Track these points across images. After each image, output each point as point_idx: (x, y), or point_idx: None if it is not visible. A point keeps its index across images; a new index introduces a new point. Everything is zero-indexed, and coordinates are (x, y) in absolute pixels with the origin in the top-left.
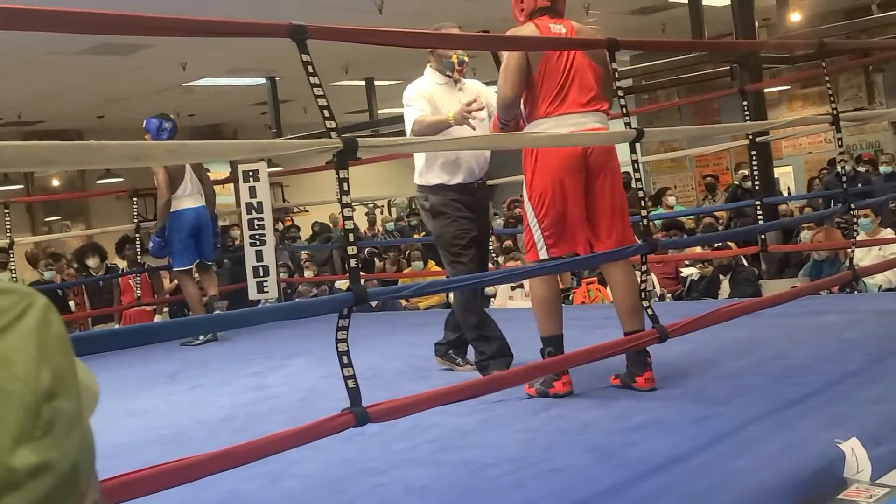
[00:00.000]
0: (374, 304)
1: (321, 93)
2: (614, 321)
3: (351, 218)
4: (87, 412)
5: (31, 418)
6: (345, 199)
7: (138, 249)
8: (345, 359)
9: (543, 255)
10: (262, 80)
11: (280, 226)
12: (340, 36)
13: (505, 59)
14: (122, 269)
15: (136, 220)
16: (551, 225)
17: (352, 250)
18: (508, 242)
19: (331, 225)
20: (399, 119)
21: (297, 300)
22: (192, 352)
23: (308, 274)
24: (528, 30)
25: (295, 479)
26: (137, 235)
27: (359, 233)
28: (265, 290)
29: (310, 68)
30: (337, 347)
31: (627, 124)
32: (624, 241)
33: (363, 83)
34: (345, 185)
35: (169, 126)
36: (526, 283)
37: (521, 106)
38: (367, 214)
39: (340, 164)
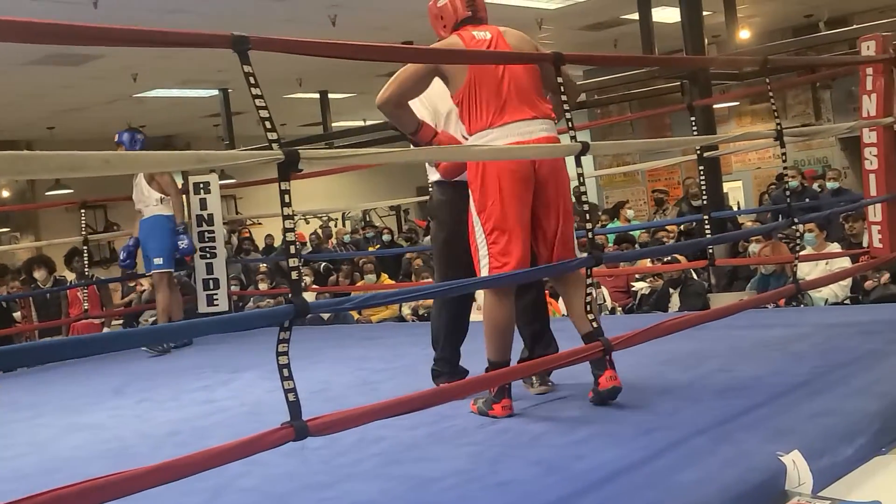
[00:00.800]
0: (325, 316)
1: (263, 104)
2: (565, 334)
3: (293, 230)
4: None
5: None
6: (286, 210)
7: (86, 261)
8: (285, 372)
9: (485, 273)
10: (215, 92)
11: (234, 239)
12: (284, 47)
13: (403, 67)
14: (71, 282)
15: (84, 232)
16: (498, 241)
17: (293, 262)
18: None
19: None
20: (353, 132)
21: (239, 313)
22: (138, 365)
23: (262, 287)
24: (450, 41)
25: (237, 493)
26: (86, 247)
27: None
28: (215, 303)
29: (251, 79)
30: (277, 360)
31: (573, 138)
32: (571, 251)
33: (317, 96)
34: (286, 196)
35: (141, 138)
36: (479, 296)
37: (458, 118)
38: (321, 227)
39: (282, 176)
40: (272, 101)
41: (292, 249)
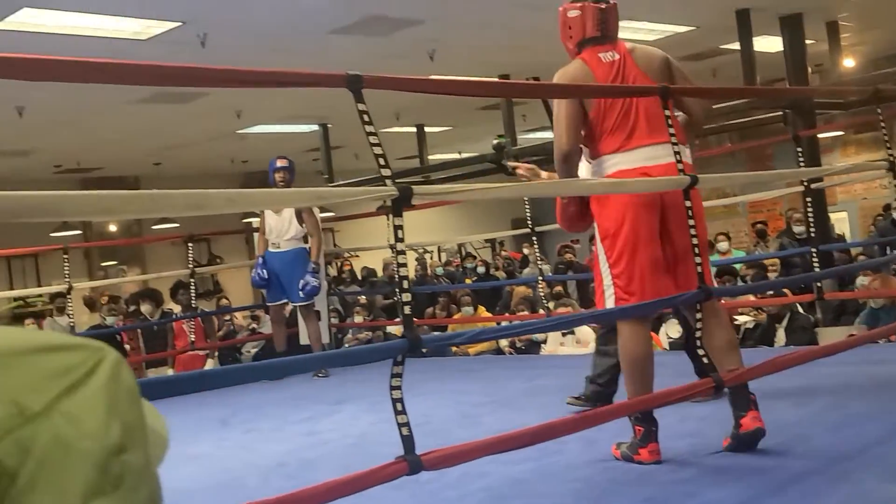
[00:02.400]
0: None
1: (376, 141)
2: (668, 370)
3: (405, 265)
4: (156, 461)
5: (101, 474)
6: (399, 245)
7: (192, 294)
8: (398, 406)
9: (611, 303)
10: (315, 127)
11: (333, 270)
12: (395, 85)
13: (556, 109)
14: (176, 314)
15: (191, 266)
16: (624, 269)
17: (406, 297)
18: (559, 288)
19: (377, 270)
20: (450, 165)
21: (353, 347)
22: (242, 395)
23: (358, 319)
24: (576, 66)
25: None
26: (192, 280)
27: (426, 277)
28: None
29: (365, 117)
30: (391, 394)
31: (681, 171)
32: (694, 279)
33: (414, 129)
34: (399, 231)
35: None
36: (577, 329)
37: (583, 145)
38: (417, 260)
39: (395, 212)
40: None
41: (405, 284)
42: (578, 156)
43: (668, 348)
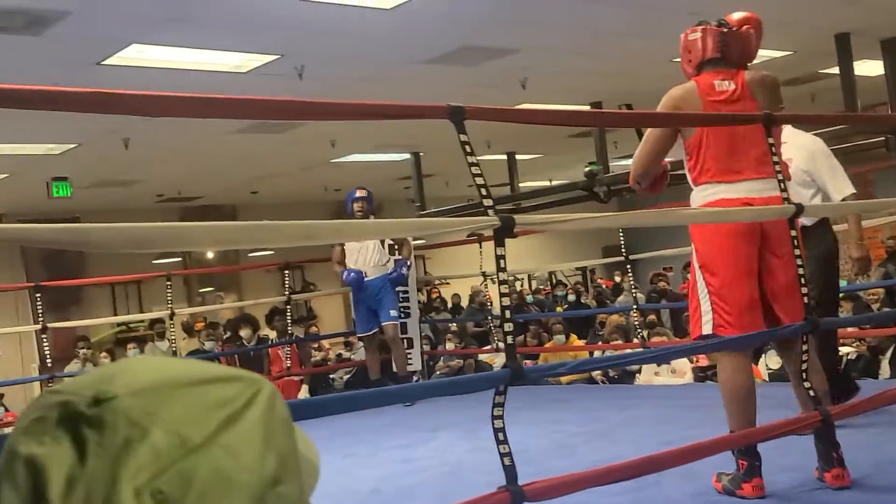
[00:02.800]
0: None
1: (478, 172)
2: (770, 400)
3: (507, 294)
4: (309, 490)
5: None
6: (501, 275)
7: (289, 321)
8: (500, 435)
9: (707, 329)
10: (407, 156)
11: (422, 297)
12: (497, 116)
13: (647, 130)
14: (272, 340)
15: (287, 293)
16: (722, 297)
17: (508, 327)
18: (652, 317)
19: (464, 297)
20: (541, 192)
21: (451, 375)
22: (339, 420)
23: (450, 346)
24: (684, 89)
25: None
26: (288, 307)
27: (523, 305)
28: (409, 362)
29: (467, 148)
30: (493, 423)
31: (786, 199)
32: (799, 309)
33: (504, 157)
34: (501, 262)
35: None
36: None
37: (686, 171)
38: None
39: (497, 242)
40: (462, 163)
41: (507, 314)
42: (647, 180)
43: (767, 379)
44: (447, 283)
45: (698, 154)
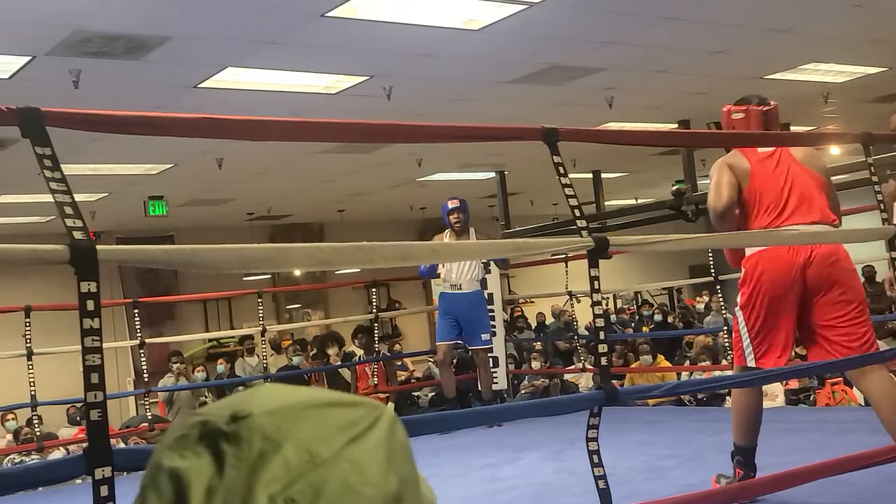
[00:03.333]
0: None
1: (572, 193)
2: (863, 425)
3: (603, 316)
4: None
5: None
6: (595, 296)
7: (376, 338)
8: (595, 458)
9: (751, 363)
10: (492, 174)
11: (507, 315)
12: (590, 137)
13: (715, 176)
14: (359, 357)
15: (374, 310)
16: (759, 336)
17: (602, 348)
18: None
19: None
20: (628, 211)
21: (553, 398)
22: (423, 442)
23: (535, 365)
24: (732, 154)
25: None
26: (375, 325)
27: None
28: (495, 381)
29: (561, 169)
30: (587, 446)
31: (885, 220)
32: (864, 348)
33: (590, 176)
34: (595, 283)
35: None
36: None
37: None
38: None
39: (592, 263)
40: (546, 181)
41: (602, 335)
42: (730, 215)
43: (862, 404)
44: (532, 302)
45: (750, 203)
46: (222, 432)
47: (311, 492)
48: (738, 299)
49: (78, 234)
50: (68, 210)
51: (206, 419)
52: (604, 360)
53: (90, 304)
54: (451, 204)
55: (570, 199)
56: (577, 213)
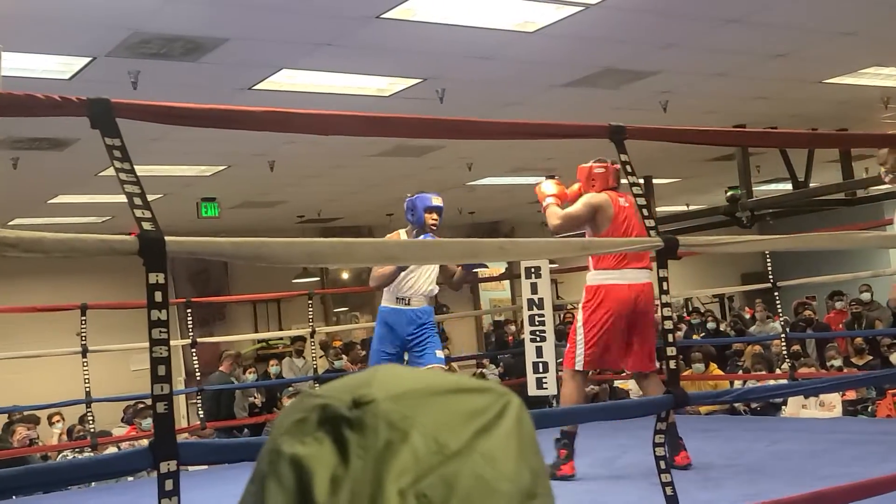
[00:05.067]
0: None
1: (640, 192)
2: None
3: (671, 318)
4: None
5: None
6: (664, 298)
7: None
8: (662, 464)
9: (580, 366)
10: (542, 179)
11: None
12: (658, 135)
13: (577, 208)
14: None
15: None
16: (592, 348)
17: (671, 351)
18: (797, 347)
19: None
20: (681, 217)
21: (619, 401)
22: None
23: None
24: (602, 198)
25: None
26: None
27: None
28: (544, 386)
29: (628, 168)
30: (654, 451)
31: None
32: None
33: (641, 181)
34: (664, 284)
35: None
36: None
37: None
38: None
39: (660, 264)
40: None
41: (670, 337)
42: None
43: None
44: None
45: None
46: (345, 418)
47: (444, 487)
48: (581, 314)
49: (147, 226)
50: (137, 201)
51: (326, 402)
52: (672, 364)
53: (158, 296)
54: (436, 201)
55: (637, 199)
56: (645, 212)
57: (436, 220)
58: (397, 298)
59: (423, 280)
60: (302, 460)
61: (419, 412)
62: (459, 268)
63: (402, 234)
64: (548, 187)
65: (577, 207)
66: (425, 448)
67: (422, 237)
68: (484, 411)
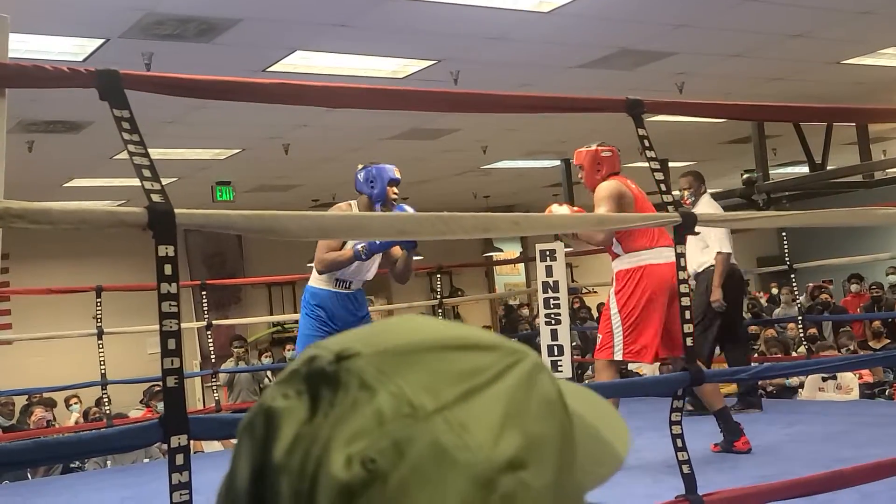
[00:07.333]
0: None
1: (657, 166)
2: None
3: (687, 294)
4: (589, 482)
5: (482, 490)
6: (681, 274)
7: None
8: (679, 442)
9: (619, 356)
10: (557, 162)
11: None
12: (677, 110)
13: (606, 208)
14: None
15: (438, 297)
16: (633, 334)
17: (688, 328)
18: (813, 331)
19: None
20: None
21: (634, 378)
22: None
23: None
24: (618, 181)
25: None
26: (440, 311)
27: None
28: (559, 369)
29: (646, 142)
30: (671, 430)
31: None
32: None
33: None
34: (682, 260)
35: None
36: (841, 374)
37: (616, 241)
38: None
39: (678, 239)
40: None
41: (687, 314)
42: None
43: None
44: (595, 292)
45: (629, 230)
46: (324, 372)
47: (395, 453)
48: (614, 298)
49: (156, 197)
50: (146, 173)
51: (315, 354)
52: (689, 341)
53: (167, 269)
54: (397, 173)
55: (655, 174)
56: (663, 187)
57: (397, 193)
58: (337, 280)
59: (373, 266)
60: (274, 414)
61: (400, 370)
62: (403, 251)
63: (353, 207)
64: (566, 211)
65: (604, 208)
66: (394, 410)
67: (395, 209)
68: (481, 371)
